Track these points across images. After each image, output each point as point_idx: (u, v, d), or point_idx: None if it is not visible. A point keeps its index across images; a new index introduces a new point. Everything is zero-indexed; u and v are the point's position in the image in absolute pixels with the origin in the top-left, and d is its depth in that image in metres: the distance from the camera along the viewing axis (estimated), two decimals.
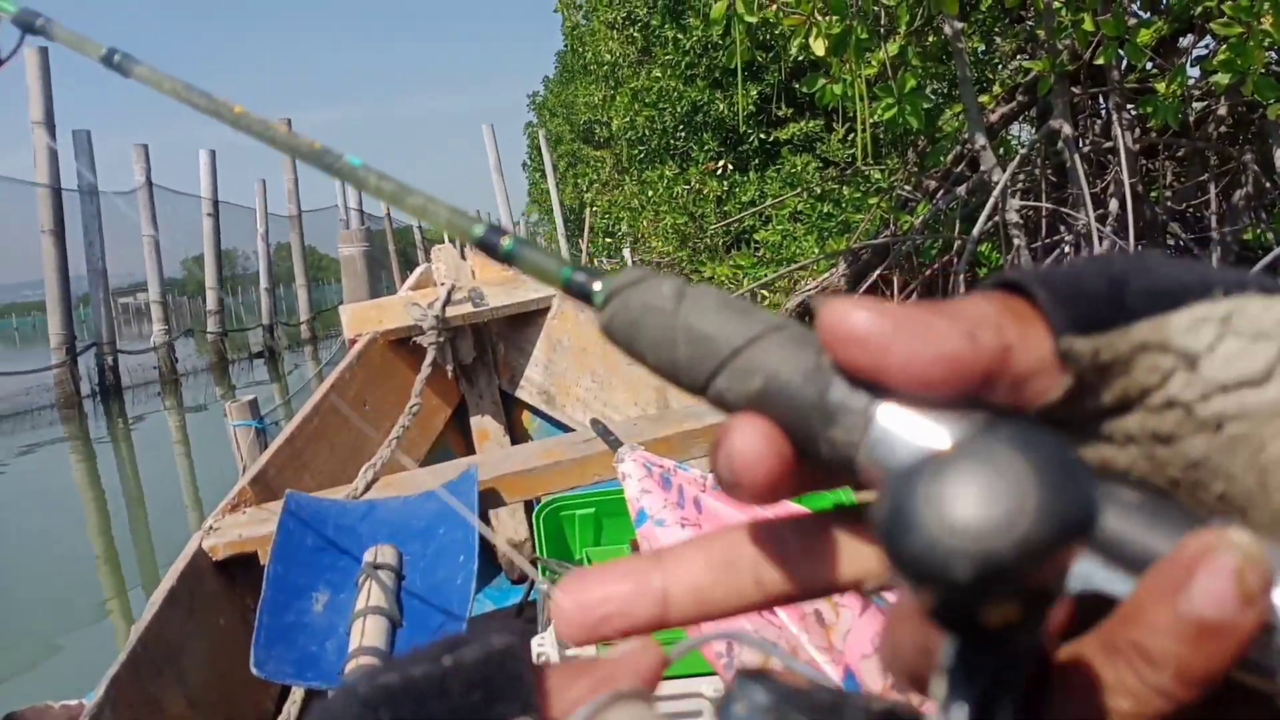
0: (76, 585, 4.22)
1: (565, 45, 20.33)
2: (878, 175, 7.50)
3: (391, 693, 0.21)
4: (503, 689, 0.22)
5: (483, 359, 3.22)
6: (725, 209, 11.88)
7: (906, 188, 6.85)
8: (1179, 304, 0.21)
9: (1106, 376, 0.21)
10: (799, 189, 9.87)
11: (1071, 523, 0.17)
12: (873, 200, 7.02)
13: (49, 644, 3.45)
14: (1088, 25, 3.90)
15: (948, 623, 0.18)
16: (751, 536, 0.24)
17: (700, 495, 1.41)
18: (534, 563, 1.86)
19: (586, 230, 16.49)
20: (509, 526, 2.81)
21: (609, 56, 14.37)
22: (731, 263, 11.06)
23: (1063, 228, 5.51)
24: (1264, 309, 0.21)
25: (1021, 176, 5.65)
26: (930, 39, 4.91)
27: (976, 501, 0.17)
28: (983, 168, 5.07)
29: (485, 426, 3.21)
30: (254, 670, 1.44)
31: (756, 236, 10.92)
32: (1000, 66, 6.84)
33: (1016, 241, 5.39)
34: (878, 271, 6.73)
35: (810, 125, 11.39)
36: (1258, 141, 4.96)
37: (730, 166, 12.29)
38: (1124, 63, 4.56)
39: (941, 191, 6.28)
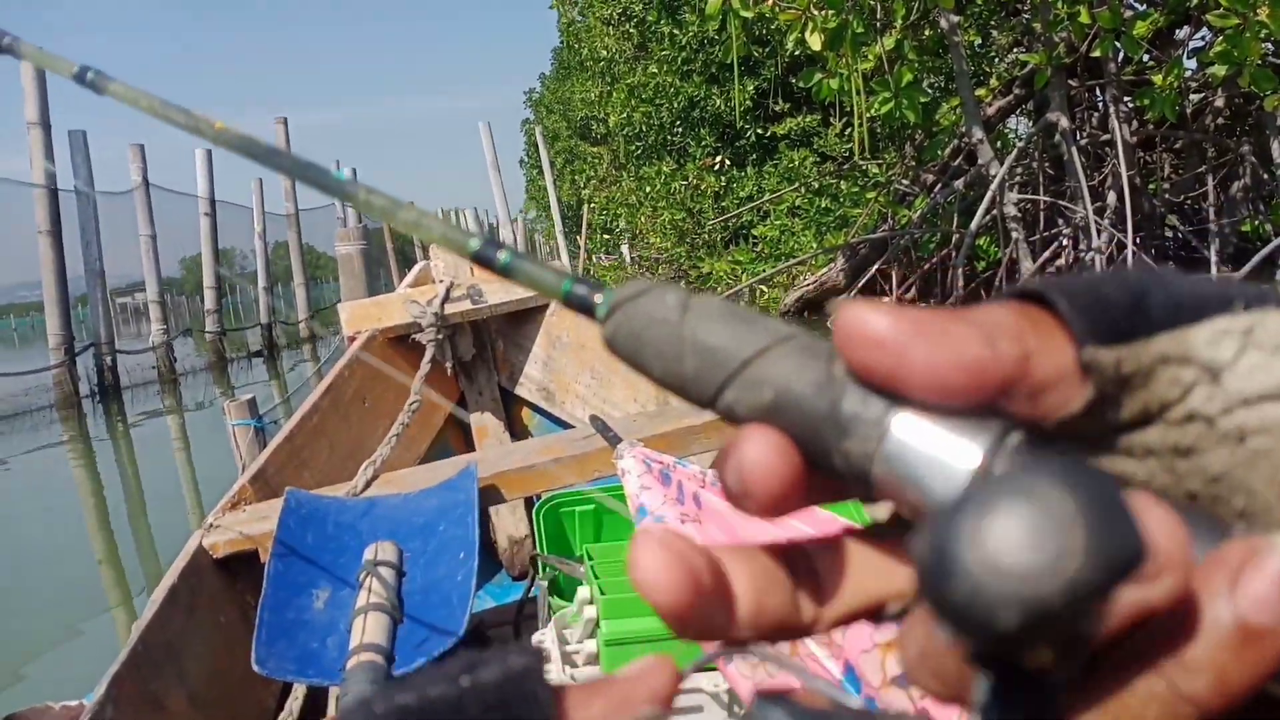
0: (76, 585, 4.22)
1: (561, 41, 20.32)
2: (875, 170, 7.50)
3: (408, 713, 0.21)
4: (520, 710, 0.21)
5: (482, 356, 3.23)
6: (723, 204, 11.87)
7: (904, 182, 6.84)
8: (1199, 317, 0.21)
9: (1127, 388, 0.21)
10: (797, 184, 9.87)
11: (1120, 564, 0.16)
12: (870, 195, 7.02)
13: (49, 644, 3.45)
14: (1084, 18, 3.90)
15: (987, 665, 0.18)
16: (775, 556, 0.23)
17: (700, 491, 1.41)
18: (534, 559, 1.86)
19: (585, 227, 16.47)
20: (509, 523, 2.81)
21: (605, 52, 14.35)
22: (730, 258, 11.07)
23: (1060, 220, 5.51)
24: None
25: (1019, 170, 5.64)
26: (926, 33, 4.91)
27: (1023, 545, 0.16)
28: (980, 161, 5.06)
29: (485, 423, 3.21)
30: (255, 667, 1.44)
31: (754, 232, 10.92)
32: (997, 60, 6.84)
33: (1014, 235, 5.39)
34: (876, 266, 6.74)
35: (807, 120, 11.38)
36: (1255, 133, 4.96)
37: (728, 162, 12.28)
38: (1120, 55, 4.57)
39: (939, 185, 6.28)
